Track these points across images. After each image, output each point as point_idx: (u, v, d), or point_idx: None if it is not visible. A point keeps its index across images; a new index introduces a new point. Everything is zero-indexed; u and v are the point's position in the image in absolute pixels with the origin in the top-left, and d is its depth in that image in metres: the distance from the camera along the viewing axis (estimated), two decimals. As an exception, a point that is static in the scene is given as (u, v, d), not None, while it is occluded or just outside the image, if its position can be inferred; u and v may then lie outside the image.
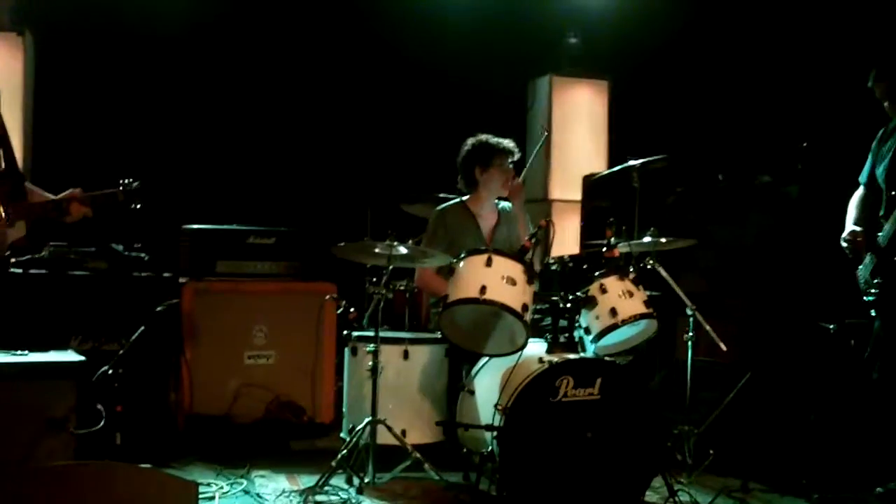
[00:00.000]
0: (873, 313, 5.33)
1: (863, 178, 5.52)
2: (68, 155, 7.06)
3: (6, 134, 4.36)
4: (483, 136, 6.03)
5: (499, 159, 5.97)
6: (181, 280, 6.12)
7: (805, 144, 6.96)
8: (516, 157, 6.04)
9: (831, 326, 6.01)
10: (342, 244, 5.28)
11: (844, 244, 5.37)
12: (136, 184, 4.85)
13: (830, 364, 6.05)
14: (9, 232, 4.52)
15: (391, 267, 5.29)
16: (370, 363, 5.19)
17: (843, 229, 5.53)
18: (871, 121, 6.22)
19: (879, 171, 5.35)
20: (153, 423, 5.74)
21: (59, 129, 7.26)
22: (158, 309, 5.66)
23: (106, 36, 7.44)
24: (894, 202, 5.20)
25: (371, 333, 5.29)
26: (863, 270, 5.32)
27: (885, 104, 5.39)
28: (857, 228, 5.36)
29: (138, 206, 4.83)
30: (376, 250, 5.21)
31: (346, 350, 5.78)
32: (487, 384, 5.19)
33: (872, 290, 5.26)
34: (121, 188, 4.85)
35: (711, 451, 5.52)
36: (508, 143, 6.01)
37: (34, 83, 7.07)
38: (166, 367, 5.93)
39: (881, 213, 5.31)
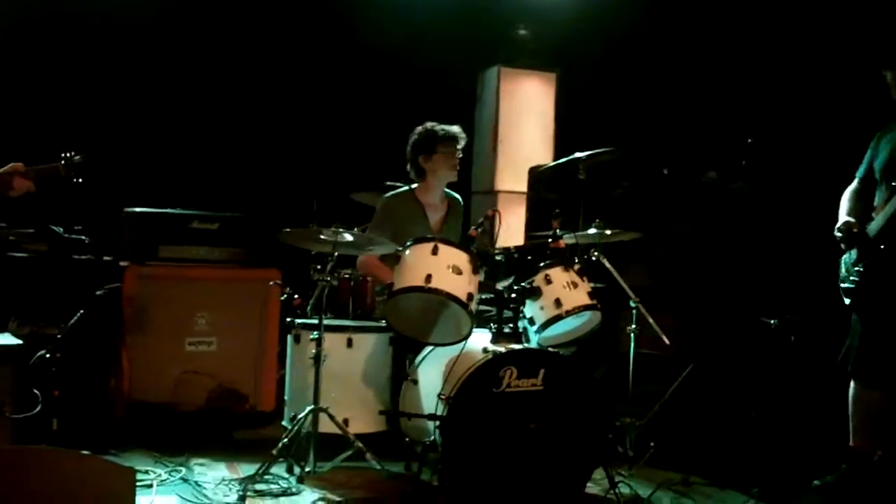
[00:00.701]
0: (847, 301, 5.32)
1: (860, 172, 5.49)
2: (7, 133, 6.90)
3: None
4: (428, 124, 6.05)
5: (443, 146, 6.00)
6: (122, 264, 6.02)
7: (750, 141, 6.98)
8: (461, 143, 6.06)
9: (773, 321, 6.05)
10: (288, 230, 5.23)
11: (839, 234, 5.33)
12: (77, 157, 4.68)
13: (771, 359, 6.10)
14: None
15: (336, 254, 5.24)
16: (313, 351, 5.14)
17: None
18: (818, 119, 6.27)
19: (878, 162, 5.33)
20: (91, 410, 5.61)
21: (-1, 106, 7.11)
22: (98, 293, 5.58)
23: (50, 12, 7.28)
24: (892, 194, 5.17)
25: (315, 321, 5.24)
26: (847, 258, 5.32)
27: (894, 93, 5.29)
28: (852, 219, 5.33)
29: (80, 181, 4.67)
30: (322, 237, 5.17)
31: (290, 337, 5.73)
32: (431, 374, 5.18)
33: (852, 278, 5.26)
34: (62, 162, 4.68)
35: (652, 444, 5.51)
36: (453, 129, 6.04)
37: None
38: (106, 352, 5.81)
39: (875, 204, 5.31)
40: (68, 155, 4.67)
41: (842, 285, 5.33)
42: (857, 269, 5.23)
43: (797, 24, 7.35)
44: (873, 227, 5.21)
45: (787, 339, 6.04)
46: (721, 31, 7.99)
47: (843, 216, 5.39)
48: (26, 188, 4.43)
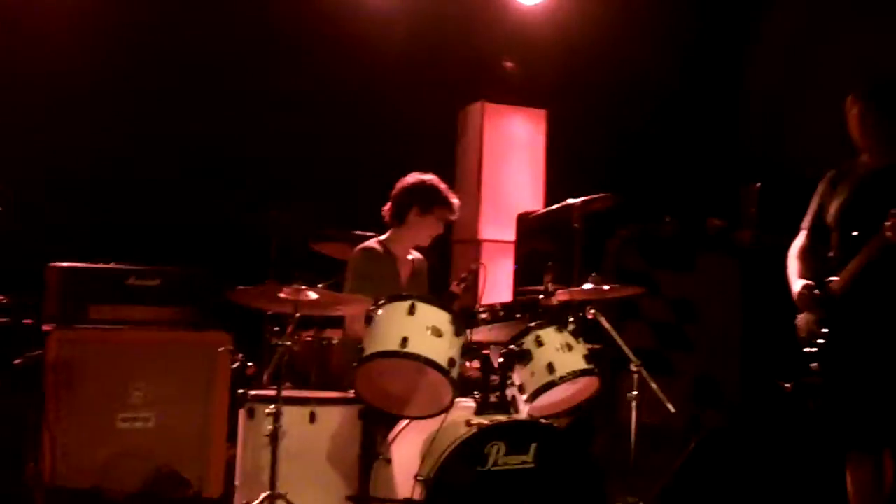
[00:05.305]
0: (813, 366, 5.04)
1: (808, 223, 5.23)
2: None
3: None
4: (435, 180, 5.69)
5: (440, 211, 5.64)
6: (45, 328, 5.68)
7: (758, 186, 6.92)
8: (454, 217, 5.74)
9: (787, 385, 5.71)
10: (242, 288, 4.82)
11: (801, 303, 5.09)
12: None
13: (788, 424, 5.92)
14: None
15: (298, 315, 4.85)
16: (270, 427, 4.70)
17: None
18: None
19: (832, 209, 5.06)
20: (8, 498, 5.29)
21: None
22: (16, 362, 5.26)
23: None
24: (848, 243, 4.90)
25: (272, 392, 4.83)
26: (803, 320, 5.08)
27: (856, 134, 5.01)
28: (810, 282, 5.05)
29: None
30: (281, 295, 4.77)
31: (242, 412, 5.24)
32: (407, 451, 4.86)
33: (818, 341, 4.99)
34: None
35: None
36: (455, 201, 5.69)
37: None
38: (24, 431, 5.48)
39: (830, 254, 5.05)
40: None
41: (805, 349, 5.07)
42: (823, 330, 4.96)
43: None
44: (838, 286, 4.92)
45: (803, 403, 5.55)
46: (727, 69, 7.84)
47: (797, 281, 5.12)
48: None
